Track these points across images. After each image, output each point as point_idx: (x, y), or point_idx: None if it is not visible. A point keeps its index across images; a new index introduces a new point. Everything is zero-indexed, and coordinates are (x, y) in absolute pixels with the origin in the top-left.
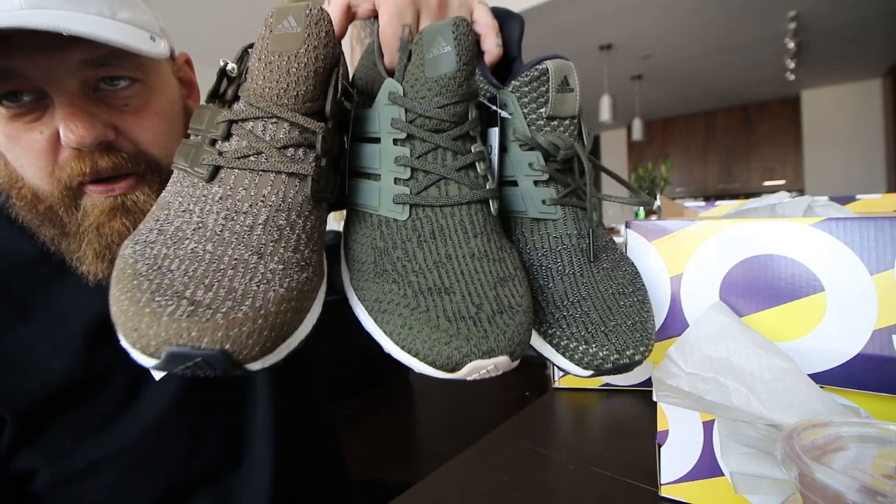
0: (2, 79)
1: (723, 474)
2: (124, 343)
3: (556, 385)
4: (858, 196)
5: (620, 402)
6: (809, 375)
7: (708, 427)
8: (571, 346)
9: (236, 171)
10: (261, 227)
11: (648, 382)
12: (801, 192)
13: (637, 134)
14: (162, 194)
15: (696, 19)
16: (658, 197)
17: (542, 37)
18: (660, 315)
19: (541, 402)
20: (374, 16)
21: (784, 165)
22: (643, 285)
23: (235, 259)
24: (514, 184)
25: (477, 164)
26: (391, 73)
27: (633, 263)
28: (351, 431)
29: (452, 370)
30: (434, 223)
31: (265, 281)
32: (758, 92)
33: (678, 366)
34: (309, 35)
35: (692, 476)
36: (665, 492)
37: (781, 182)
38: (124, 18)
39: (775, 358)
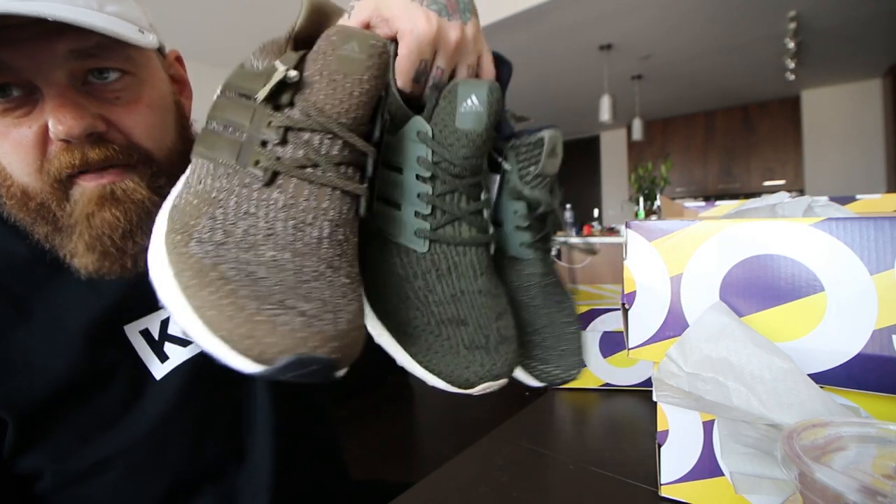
0: None
1: (723, 474)
2: (227, 349)
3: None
4: (858, 196)
5: (620, 402)
6: (809, 375)
7: (708, 427)
8: (532, 364)
9: (295, 179)
10: (326, 240)
11: (648, 382)
12: (801, 192)
13: (637, 134)
14: (200, 188)
15: (696, 19)
16: (658, 197)
17: (542, 37)
18: (660, 315)
19: (541, 402)
20: (391, 39)
21: (784, 165)
22: (577, 315)
23: (314, 271)
24: (499, 225)
25: (484, 210)
26: (404, 98)
27: (571, 296)
28: (352, 432)
29: (468, 388)
30: (450, 260)
31: (344, 294)
32: (758, 92)
33: (678, 366)
34: (373, 64)
35: (692, 476)
36: (665, 492)
37: (781, 182)
38: (112, 11)
39: (775, 358)
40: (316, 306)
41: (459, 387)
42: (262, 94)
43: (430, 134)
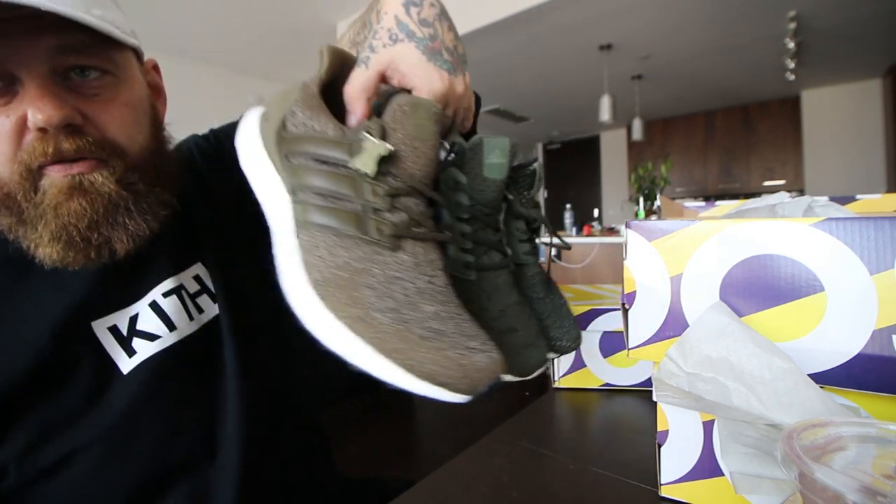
0: None
1: (723, 474)
2: (447, 392)
3: (556, 385)
4: (858, 196)
5: (620, 402)
6: (809, 375)
7: (708, 427)
8: (551, 343)
9: (410, 239)
10: (448, 286)
11: (648, 382)
12: (801, 192)
13: (637, 134)
14: (340, 261)
15: (696, 19)
16: (658, 197)
17: (542, 37)
18: (660, 315)
19: (541, 402)
20: (402, 89)
21: (784, 165)
22: (564, 297)
23: (457, 314)
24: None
25: (503, 238)
26: None
27: (555, 283)
28: (352, 432)
29: (528, 375)
30: (490, 283)
31: (480, 328)
32: (758, 92)
33: (678, 366)
34: (438, 130)
35: (692, 476)
36: (665, 492)
37: (781, 182)
38: (97, 15)
39: (775, 358)
40: (485, 342)
41: (522, 376)
42: (368, 168)
43: (465, 182)
